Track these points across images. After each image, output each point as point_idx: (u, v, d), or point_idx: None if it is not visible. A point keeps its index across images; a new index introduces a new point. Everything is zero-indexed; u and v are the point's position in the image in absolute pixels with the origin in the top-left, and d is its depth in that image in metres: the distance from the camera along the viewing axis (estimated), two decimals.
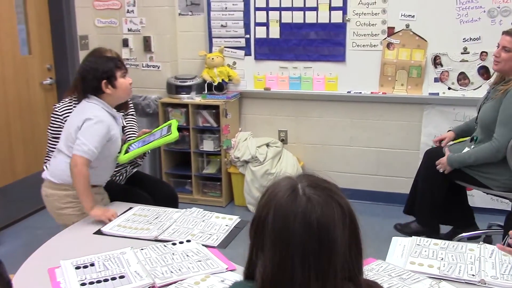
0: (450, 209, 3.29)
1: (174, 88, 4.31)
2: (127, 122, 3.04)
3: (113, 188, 2.79)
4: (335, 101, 4.22)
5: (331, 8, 4.05)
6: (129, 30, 4.46)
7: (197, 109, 4.30)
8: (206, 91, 4.30)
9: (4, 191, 3.86)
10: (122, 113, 2.88)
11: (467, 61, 3.84)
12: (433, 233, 3.14)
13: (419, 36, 3.91)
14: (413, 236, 2.16)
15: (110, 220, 2.38)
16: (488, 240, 3.33)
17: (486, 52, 3.72)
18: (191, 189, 4.39)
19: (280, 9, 4.18)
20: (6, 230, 3.85)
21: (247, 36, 4.31)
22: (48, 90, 4.26)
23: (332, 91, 4.21)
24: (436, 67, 3.93)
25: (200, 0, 4.36)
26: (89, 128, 2.43)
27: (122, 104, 2.80)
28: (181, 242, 2.12)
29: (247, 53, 4.35)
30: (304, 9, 4.12)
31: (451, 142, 3.30)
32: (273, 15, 4.20)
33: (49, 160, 2.86)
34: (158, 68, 4.46)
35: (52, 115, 2.87)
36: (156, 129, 2.84)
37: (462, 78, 3.88)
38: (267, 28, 4.25)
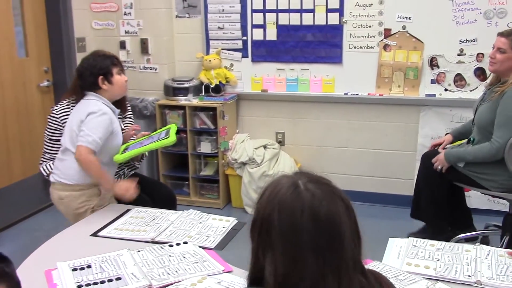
0: (448, 210, 3.29)
1: (171, 90, 4.32)
2: (125, 124, 3.04)
3: None
4: (332, 102, 4.23)
5: (328, 10, 4.06)
6: (126, 32, 4.46)
7: (195, 111, 4.30)
8: (203, 93, 4.31)
9: (1, 194, 3.85)
10: (120, 115, 2.89)
11: (463, 62, 3.85)
12: (444, 233, 3.11)
13: (415, 37, 3.92)
14: (409, 237, 2.17)
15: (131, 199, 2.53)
16: (485, 240, 3.34)
17: (483, 54, 3.73)
18: (189, 191, 4.39)
19: (277, 11, 4.18)
20: (3, 232, 3.85)
21: (244, 38, 4.31)
22: (45, 92, 4.26)
23: (329, 93, 4.21)
24: (432, 69, 3.94)
25: (197, 2, 4.37)
26: (93, 120, 2.52)
27: (120, 107, 2.84)
28: (178, 244, 2.13)
29: (244, 55, 4.35)
30: (301, 11, 4.13)
31: (449, 145, 3.31)
32: (270, 17, 4.21)
33: (44, 161, 2.88)
34: (155, 70, 4.46)
35: (49, 116, 2.88)
36: (155, 132, 2.88)
37: (459, 80, 3.89)
38: (264, 30, 4.25)
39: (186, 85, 4.30)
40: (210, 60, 4.31)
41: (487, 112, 2.96)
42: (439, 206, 3.21)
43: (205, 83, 4.31)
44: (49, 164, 2.87)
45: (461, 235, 3.26)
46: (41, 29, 4.21)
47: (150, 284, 1.79)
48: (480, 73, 3.82)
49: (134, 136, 2.94)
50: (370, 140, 4.21)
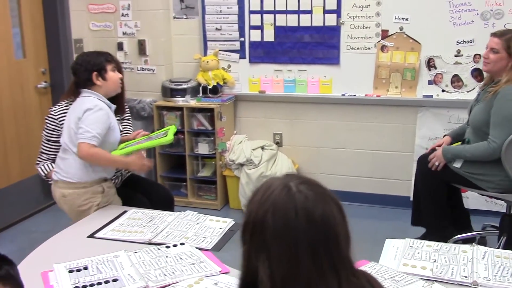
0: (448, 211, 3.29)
1: (169, 92, 4.31)
2: (123, 126, 3.05)
3: None
4: (330, 103, 4.23)
5: (325, 11, 4.06)
6: (124, 33, 4.46)
7: (192, 112, 4.30)
8: (201, 94, 4.31)
9: None
10: (118, 118, 2.90)
11: (460, 63, 3.85)
12: (447, 236, 3.06)
13: (413, 38, 3.93)
14: (406, 238, 2.17)
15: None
16: (482, 241, 3.34)
17: (479, 55, 3.73)
18: (186, 192, 4.39)
19: (274, 12, 4.18)
20: (1, 233, 3.84)
21: (242, 39, 4.32)
22: (42, 93, 4.26)
23: (326, 94, 4.22)
24: (430, 70, 3.94)
25: (195, 3, 4.37)
26: (90, 116, 2.54)
27: (119, 108, 2.86)
28: (174, 245, 2.13)
29: (242, 56, 4.35)
30: (298, 12, 4.13)
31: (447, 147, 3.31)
32: (268, 18, 4.21)
33: (41, 161, 2.90)
34: (153, 71, 4.46)
35: (47, 117, 2.89)
36: (153, 133, 2.92)
37: (456, 81, 3.90)
38: (262, 31, 4.25)
39: (183, 86, 4.30)
40: (207, 61, 4.32)
41: (481, 112, 2.97)
42: (440, 207, 3.18)
43: (202, 84, 4.31)
44: (47, 164, 2.87)
45: (458, 236, 3.25)
46: (39, 30, 4.21)
47: (146, 286, 1.79)
48: (477, 74, 3.82)
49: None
50: (367, 141, 4.22)
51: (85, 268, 1.92)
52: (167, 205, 3.01)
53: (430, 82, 3.96)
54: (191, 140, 4.34)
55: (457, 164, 3.06)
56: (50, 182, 2.89)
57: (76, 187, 2.60)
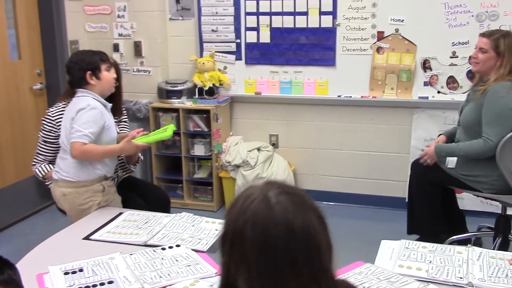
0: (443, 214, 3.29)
1: (165, 93, 4.31)
2: (120, 128, 3.05)
3: None
4: (326, 105, 4.24)
5: (321, 13, 4.07)
6: (120, 35, 4.45)
7: (188, 114, 4.30)
8: (197, 96, 4.31)
9: None
10: (115, 119, 2.90)
11: (456, 65, 3.87)
12: (442, 240, 3.05)
13: (408, 40, 3.94)
14: (402, 240, 2.18)
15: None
16: (478, 242, 3.35)
17: None
18: (182, 194, 4.39)
19: (270, 13, 4.19)
20: None
21: (238, 40, 4.32)
22: (38, 95, 4.25)
23: (322, 95, 4.22)
24: (425, 71, 3.95)
25: (191, 5, 4.37)
26: (82, 116, 2.55)
27: (116, 110, 2.86)
28: (170, 247, 2.13)
29: (238, 58, 4.36)
30: (294, 13, 4.13)
31: None
32: (264, 19, 4.21)
33: (37, 162, 2.89)
34: (149, 73, 4.46)
35: (44, 118, 2.88)
36: (153, 132, 2.93)
37: (451, 82, 3.91)
38: (258, 33, 4.26)
39: (179, 87, 4.30)
40: (203, 63, 4.31)
41: (472, 112, 2.98)
42: (435, 210, 3.18)
43: (198, 86, 4.31)
44: (44, 166, 2.87)
45: (454, 237, 3.26)
46: (34, 31, 4.20)
47: None
48: (472, 76, 3.81)
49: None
50: (363, 143, 4.22)
51: (81, 270, 1.92)
52: (163, 206, 3.01)
53: (425, 84, 3.97)
54: (187, 141, 4.33)
55: (451, 165, 3.06)
56: (47, 183, 2.89)
57: (77, 186, 2.61)
